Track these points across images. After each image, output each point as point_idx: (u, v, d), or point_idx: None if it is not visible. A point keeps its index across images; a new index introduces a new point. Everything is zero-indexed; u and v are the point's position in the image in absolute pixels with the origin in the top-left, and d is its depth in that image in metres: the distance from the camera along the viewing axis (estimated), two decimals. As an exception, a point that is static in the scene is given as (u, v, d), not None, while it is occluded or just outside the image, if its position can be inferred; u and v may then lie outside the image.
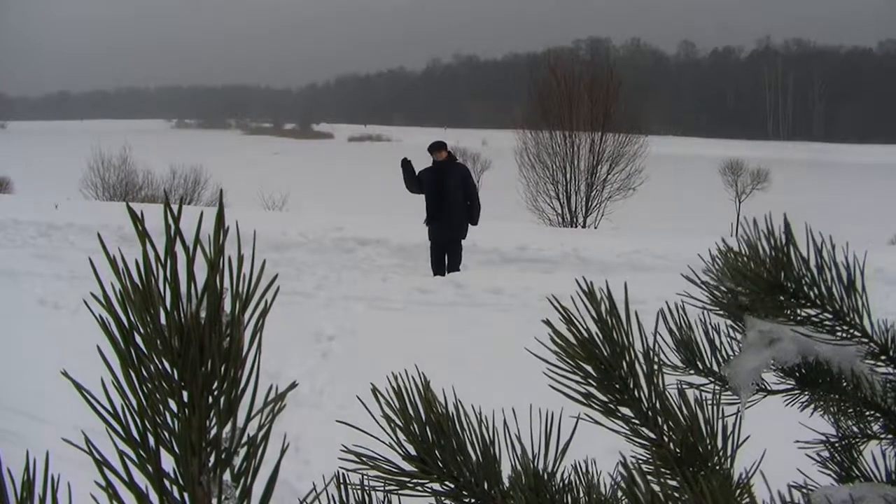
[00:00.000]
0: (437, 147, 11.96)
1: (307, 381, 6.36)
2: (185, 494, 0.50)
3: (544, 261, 12.67)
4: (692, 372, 1.03)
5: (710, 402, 0.84)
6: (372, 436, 0.82)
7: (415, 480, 0.83)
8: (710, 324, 1.02)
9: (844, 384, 0.99)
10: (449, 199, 11.61)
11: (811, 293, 0.94)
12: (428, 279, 11.19)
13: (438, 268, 11.84)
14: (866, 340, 0.95)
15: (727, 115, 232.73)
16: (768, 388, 1.03)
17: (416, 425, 0.83)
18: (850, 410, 1.02)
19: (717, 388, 1.00)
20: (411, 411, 0.83)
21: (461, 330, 8.44)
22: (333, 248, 13.30)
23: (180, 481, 0.50)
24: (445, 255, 11.90)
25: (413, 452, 0.83)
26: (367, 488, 0.83)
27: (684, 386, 0.98)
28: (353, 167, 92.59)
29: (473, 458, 0.84)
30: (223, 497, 0.50)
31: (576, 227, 30.29)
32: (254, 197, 37.81)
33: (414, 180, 11.84)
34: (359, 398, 0.83)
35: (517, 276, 11.56)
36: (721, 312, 1.02)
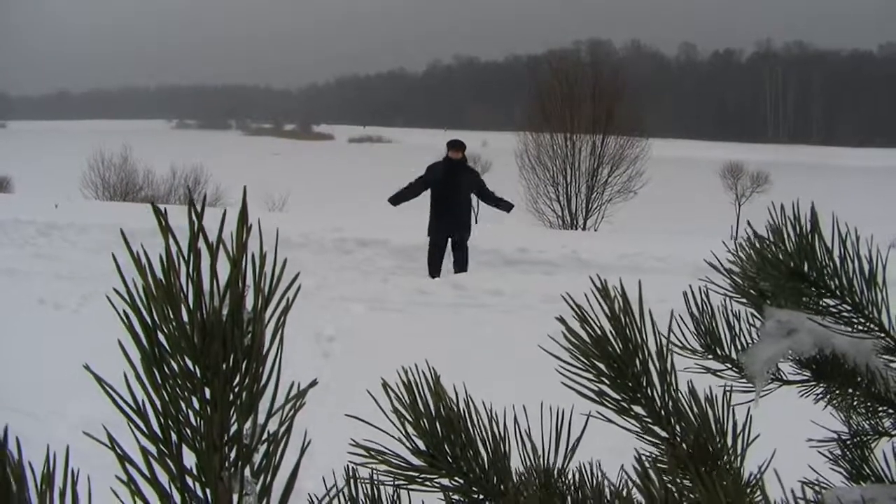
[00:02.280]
0: (455, 145, 11.97)
1: (307, 381, 6.32)
2: (207, 490, 0.50)
3: (545, 263, 12.65)
4: (710, 357, 1.03)
5: (720, 400, 0.84)
6: (380, 429, 0.82)
7: (424, 475, 0.83)
8: (731, 311, 1.02)
9: (859, 379, 0.99)
10: (457, 198, 11.61)
11: (832, 283, 0.95)
12: (428, 280, 11.18)
13: (435, 270, 11.80)
14: (883, 335, 0.95)
15: (727, 118, 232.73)
16: (784, 377, 1.04)
17: (425, 420, 0.83)
18: (863, 406, 1.02)
19: (733, 374, 1.01)
20: (421, 406, 0.83)
21: (462, 331, 8.43)
22: (333, 249, 13.28)
23: (202, 477, 0.51)
24: (443, 257, 11.88)
25: (423, 447, 0.83)
26: (376, 483, 0.83)
27: (702, 370, 0.99)
28: (354, 168, 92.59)
29: (483, 453, 0.84)
30: (244, 492, 0.51)
31: (576, 229, 30.28)
32: (254, 198, 37.79)
33: (407, 191, 11.88)
34: (369, 392, 0.83)
35: (518, 277, 11.55)
36: (742, 300, 1.02)
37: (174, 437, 0.50)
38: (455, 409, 0.84)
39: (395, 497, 0.85)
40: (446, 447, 0.83)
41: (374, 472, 0.83)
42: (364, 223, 14.86)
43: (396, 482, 0.84)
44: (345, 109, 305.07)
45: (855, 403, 1.04)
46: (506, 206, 12.23)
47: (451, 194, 11.60)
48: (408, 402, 0.84)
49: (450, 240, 11.90)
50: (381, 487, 0.84)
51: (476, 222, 12.63)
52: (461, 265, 11.87)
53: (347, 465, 0.83)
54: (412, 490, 0.85)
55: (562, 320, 0.81)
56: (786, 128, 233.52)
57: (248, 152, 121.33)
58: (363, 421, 0.83)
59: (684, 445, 0.81)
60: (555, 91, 32.96)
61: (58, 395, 5.66)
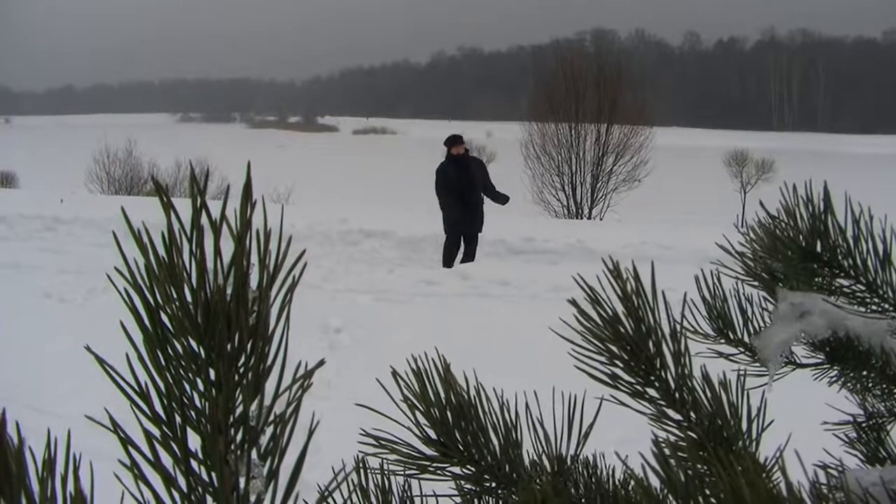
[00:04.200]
0: (456, 141, 11.95)
1: (314, 372, 6.31)
2: (213, 474, 0.49)
3: (551, 252, 12.65)
4: (722, 341, 1.02)
5: (734, 384, 0.83)
6: (390, 418, 0.81)
7: (435, 464, 0.82)
8: (743, 294, 1.01)
9: (874, 361, 0.98)
10: (474, 192, 11.68)
11: (845, 263, 0.93)
12: (434, 271, 11.17)
13: (450, 260, 11.83)
14: (898, 315, 0.94)
15: (732, 106, 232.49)
16: (797, 361, 1.02)
17: (436, 409, 0.82)
18: (878, 388, 1.01)
19: (746, 358, 0.99)
20: (431, 395, 0.82)
21: (468, 321, 8.43)
22: (339, 240, 13.29)
23: (207, 461, 0.49)
24: (459, 248, 11.89)
25: (433, 436, 0.82)
26: (387, 472, 0.82)
27: (714, 355, 0.97)
28: (358, 160, 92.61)
29: (495, 441, 0.83)
30: (251, 476, 0.49)
31: (581, 218, 30.30)
32: (258, 190, 37.69)
33: (448, 204, 11.87)
34: (378, 380, 0.81)
35: (524, 267, 11.55)
36: (754, 283, 1.01)
37: (178, 419, 0.49)
38: (466, 397, 0.83)
39: (405, 486, 0.84)
40: (457, 435, 0.82)
41: (385, 461, 0.82)
42: (369, 214, 14.86)
43: (407, 471, 0.83)
44: (349, 101, 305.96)
45: (870, 385, 1.02)
46: (503, 200, 12.19)
47: (468, 189, 11.63)
48: (418, 390, 0.83)
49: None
50: (392, 477, 0.83)
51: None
52: (470, 255, 11.92)
53: (357, 455, 0.81)
54: (423, 479, 0.83)
55: (573, 302, 0.80)
56: (790, 116, 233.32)
57: (252, 145, 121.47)
58: (373, 410, 0.82)
59: (699, 430, 0.80)
60: (559, 81, 32.96)
61: (63, 388, 5.66)
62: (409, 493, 0.84)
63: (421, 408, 0.83)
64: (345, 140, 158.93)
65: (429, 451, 0.83)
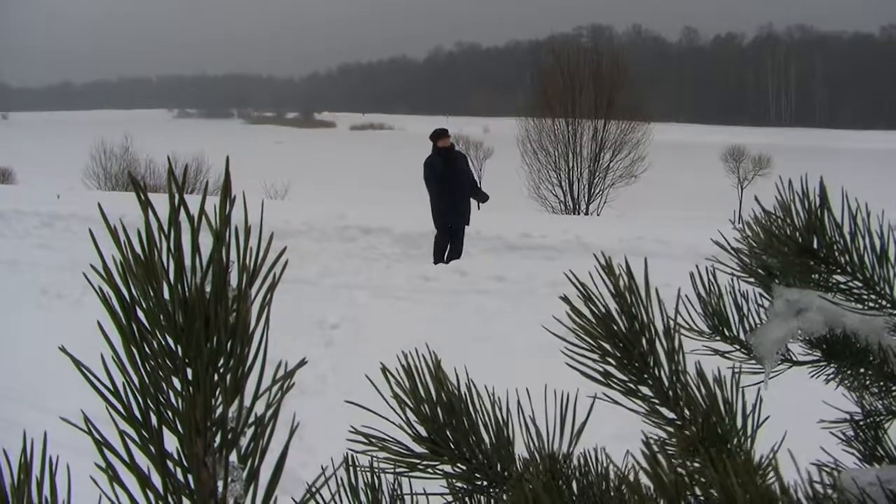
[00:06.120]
0: (441, 134, 11.93)
1: (310, 369, 6.34)
2: (190, 476, 0.48)
3: (548, 248, 12.63)
4: (718, 338, 1.01)
5: (729, 381, 0.82)
6: (381, 416, 0.80)
7: (426, 462, 0.81)
8: (739, 291, 1.00)
9: (871, 358, 0.97)
10: (460, 184, 11.67)
11: (842, 259, 0.92)
12: (431, 267, 11.17)
13: (441, 255, 11.81)
14: (895, 312, 0.92)
15: (729, 102, 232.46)
16: (794, 358, 1.01)
17: (426, 406, 0.81)
18: (876, 385, 1.00)
19: (741, 355, 0.98)
20: (422, 391, 0.81)
21: (465, 317, 8.42)
22: (336, 236, 13.26)
23: (184, 462, 0.48)
24: (448, 243, 11.87)
25: (424, 433, 0.81)
26: (376, 470, 0.81)
27: (709, 352, 0.96)
28: (356, 156, 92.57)
29: (486, 439, 0.82)
30: (229, 479, 0.48)
31: (578, 214, 30.32)
32: (256, 186, 37.75)
33: (437, 197, 11.89)
34: (367, 377, 0.80)
35: (521, 263, 11.54)
36: (750, 280, 1.00)
37: (154, 419, 0.48)
38: (457, 394, 0.82)
39: (395, 485, 0.83)
40: (448, 433, 0.81)
41: (374, 459, 0.81)
42: (367, 210, 14.84)
43: (397, 469, 0.82)
44: (347, 97, 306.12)
45: (867, 383, 1.01)
46: (484, 197, 12.19)
47: (455, 182, 11.62)
48: (408, 387, 0.82)
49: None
50: (382, 475, 0.82)
51: (479, 208, 12.61)
52: (457, 251, 11.89)
53: (347, 453, 0.80)
54: (413, 477, 0.82)
55: (565, 299, 0.78)
56: (788, 111, 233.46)
57: (250, 141, 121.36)
58: (362, 407, 0.81)
59: (693, 428, 0.79)
60: (556, 76, 32.98)
61: (58, 385, 5.65)
62: (399, 492, 0.83)
63: (411, 405, 0.82)
64: (342, 136, 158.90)
65: (419, 449, 0.82)
